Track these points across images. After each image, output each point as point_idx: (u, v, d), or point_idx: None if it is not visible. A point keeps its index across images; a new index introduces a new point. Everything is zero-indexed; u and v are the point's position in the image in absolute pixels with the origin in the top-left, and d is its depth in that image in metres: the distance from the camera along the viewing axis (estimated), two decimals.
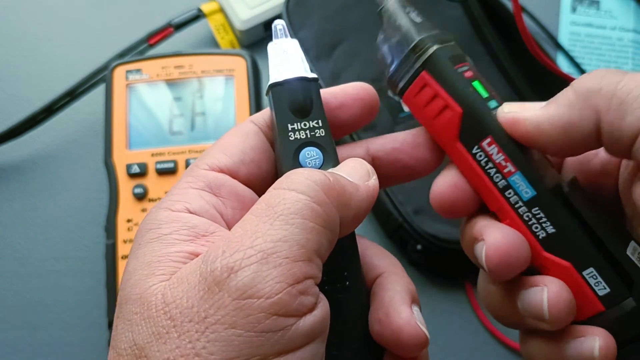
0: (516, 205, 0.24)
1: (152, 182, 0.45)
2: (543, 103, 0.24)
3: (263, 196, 0.21)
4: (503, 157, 0.24)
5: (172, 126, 0.46)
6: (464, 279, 0.47)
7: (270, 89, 0.25)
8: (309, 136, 0.24)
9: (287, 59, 0.25)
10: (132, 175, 0.45)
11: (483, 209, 0.26)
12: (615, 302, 0.24)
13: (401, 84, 0.26)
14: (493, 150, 0.24)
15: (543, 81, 0.51)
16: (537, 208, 0.24)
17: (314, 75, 0.25)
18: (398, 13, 0.26)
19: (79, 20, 0.56)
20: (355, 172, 0.24)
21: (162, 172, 0.45)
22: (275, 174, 0.25)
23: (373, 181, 0.24)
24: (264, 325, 0.19)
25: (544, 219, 0.24)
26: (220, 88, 0.47)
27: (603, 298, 0.24)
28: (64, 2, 0.57)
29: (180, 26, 0.52)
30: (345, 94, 0.26)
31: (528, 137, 0.24)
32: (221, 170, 0.24)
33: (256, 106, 0.46)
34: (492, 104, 0.25)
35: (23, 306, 0.47)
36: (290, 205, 0.20)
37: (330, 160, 0.24)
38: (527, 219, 0.24)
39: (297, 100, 0.24)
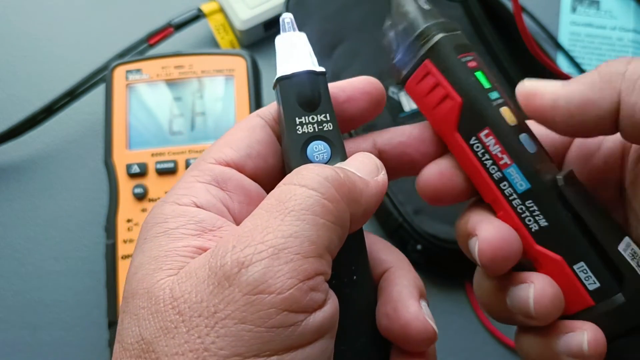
0: (510, 198, 0.24)
1: (152, 182, 0.45)
2: (565, 81, 0.24)
3: (273, 191, 0.21)
4: (500, 148, 0.24)
5: (172, 126, 0.46)
6: (464, 279, 0.47)
7: (278, 83, 0.25)
8: (316, 130, 0.24)
9: (294, 53, 0.25)
10: (132, 175, 0.45)
11: (477, 203, 0.26)
12: (605, 297, 0.24)
13: (404, 71, 0.26)
14: (490, 141, 0.24)
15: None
16: (530, 201, 0.24)
17: (322, 69, 0.25)
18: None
19: (79, 20, 0.56)
20: (364, 167, 0.24)
21: (162, 172, 0.45)
22: (282, 168, 0.25)
23: (382, 176, 0.24)
24: (274, 320, 0.19)
25: (537, 212, 0.24)
26: (220, 88, 0.47)
27: (593, 293, 0.24)
28: (64, 2, 0.57)
29: (180, 26, 0.52)
30: (353, 87, 0.26)
31: (542, 112, 0.24)
32: (228, 164, 0.24)
33: (256, 106, 0.46)
34: (494, 95, 0.25)
35: (23, 306, 0.47)
36: (301, 201, 0.20)
37: (338, 154, 0.24)
38: (520, 211, 0.24)
39: (305, 94, 0.24)
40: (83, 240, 0.49)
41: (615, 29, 0.57)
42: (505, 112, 0.25)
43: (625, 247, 0.24)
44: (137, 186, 0.44)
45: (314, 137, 0.24)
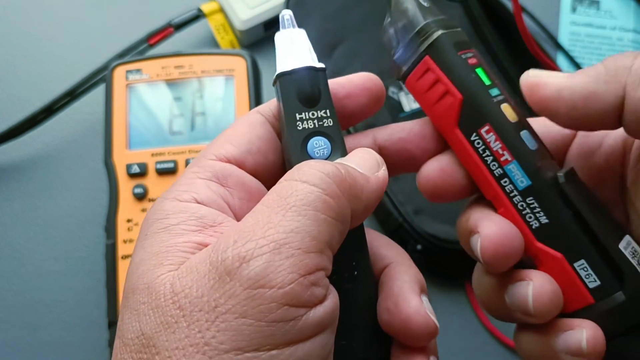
0: (511, 194, 0.24)
1: (152, 182, 0.45)
2: (570, 73, 0.24)
3: (274, 187, 0.21)
4: (500, 145, 0.24)
5: (172, 126, 0.46)
6: (464, 279, 0.47)
7: (278, 79, 0.25)
8: (317, 126, 0.24)
9: (294, 49, 0.25)
10: (132, 175, 0.45)
11: (477, 200, 0.26)
12: (605, 295, 0.24)
13: (404, 68, 0.26)
14: (491, 138, 0.24)
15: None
16: (531, 198, 0.24)
17: (322, 65, 0.25)
18: None
19: (79, 20, 0.56)
20: (364, 162, 0.24)
21: (162, 172, 0.45)
22: (282, 165, 0.25)
23: (383, 172, 0.24)
24: (275, 315, 0.19)
25: (538, 209, 0.24)
26: (220, 88, 0.47)
27: (593, 290, 0.24)
28: (64, 2, 0.57)
29: (180, 26, 0.52)
30: (352, 83, 0.26)
31: (545, 103, 0.24)
32: (228, 161, 0.24)
33: (256, 106, 0.46)
34: (494, 91, 0.25)
35: (23, 306, 0.47)
36: (303, 197, 0.20)
37: (339, 150, 0.24)
38: (521, 208, 0.24)
39: (305, 90, 0.24)
40: (83, 240, 0.49)
41: (615, 29, 0.57)
42: (506, 109, 0.25)
43: (626, 245, 0.24)
44: (137, 186, 0.44)
45: (314, 133, 0.24)
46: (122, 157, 0.45)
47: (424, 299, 0.24)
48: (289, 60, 0.25)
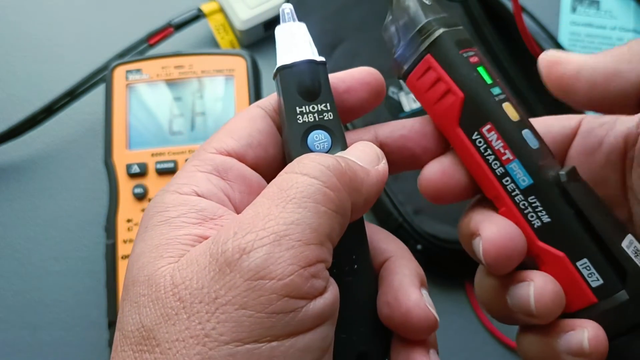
0: (513, 193, 0.24)
1: (152, 182, 0.45)
2: (591, 54, 0.24)
3: (274, 180, 0.21)
4: (502, 144, 0.24)
5: (172, 126, 0.46)
6: (464, 279, 0.47)
7: (279, 72, 0.25)
8: (317, 119, 0.24)
9: (295, 42, 0.25)
10: (132, 175, 0.45)
11: (479, 202, 0.26)
12: (608, 295, 0.24)
13: (405, 66, 0.26)
14: (492, 136, 0.24)
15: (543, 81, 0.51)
16: (533, 196, 0.24)
17: (322, 58, 0.25)
18: None
19: (79, 20, 0.56)
20: (365, 155, 0.24)
21: (162, 172, 0.45)
22: (282, 159, 0.25)
23: (383, 165, 0.24)
24: (275, 306, 0.19)
25: (540, 208, 0.24)
26: (220, 88, 0.47)
27: (596, 290, 0.24)
28: (64, 2, 0.57)
29: (180, 26, 0.52)
30: (353, 78, 0.26)
31: (563, 81, 0.23)
32: (228, 154, 0.24)
33: None
34: (496, 90, 0.25)
35: (23, 306, 0.47)
36: (303, 189, 0.20)
37: (339, 143, 0.24)
38: (523, 207, 0.24)
39: (305, 83, 0.24)
40: (83, 240, 0.49)
41: (615, 29, 0.57)
42: (508, 108, 0.25)
43: (629, 244, 0.24)
44: (137, 186, 0.44)
45: (315, 126, 0.24)
46: (122, 157, 0.45)
47: (424, 292, 0.24)
48: (290, 54, 0.25)
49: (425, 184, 0.26)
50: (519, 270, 0.25)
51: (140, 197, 0.44)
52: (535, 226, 0.24)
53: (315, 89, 0.24)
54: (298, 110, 0.24)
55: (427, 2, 0.26)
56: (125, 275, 0.22)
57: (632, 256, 0.24)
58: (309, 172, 0.21)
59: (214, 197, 0.23)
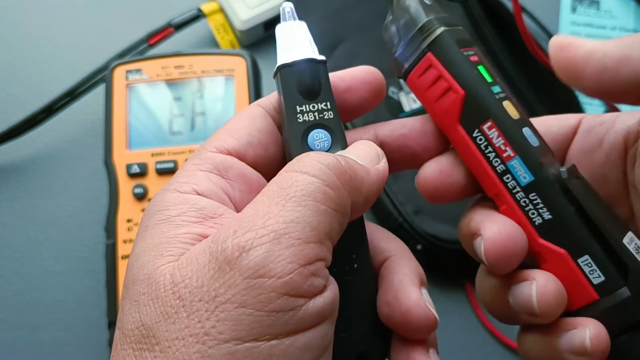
0: (514, 191, 0.24)
1: (152, 182, 0.45)
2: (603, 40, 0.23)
3: (274, 178, 0.21)
4: (503, 141, 0.24)
5: (172, 126, 0.46)
6: (464, 279, 0.47)
7: (279, 71, 0.25)
8: (317, 118, 0.24)
9: (295, 41, 0.25)
10: (132, 175, 0.45)
11: (479, 202, 0.26)
12: (610, 291, 0.24)
13: (406, 65, 0.26)
14: (493, 134, 0.24)
15: (543, 81, 0.51)
16: (534, 194, 0.24)
17: (322, 57, 0.25)
18: None
19: (79, 20, 0.56)
20: (365, 154, 0.24)
21: (162, 172, 0.45)
22: (282, 158, 0.25)
23: (383, 164, 0.24)
24: (274, 304, 0.19)
25: (541, 205, 0.24)
26: (220, 88, 0.47)
27: (598, 287, 0.24)
28: (64, 2, 0.57)
29: (180, 26, 0.52)
30: (353, 77, 0.26)
31: (573, 64, 0.23)
32: (229, 153, 0.24)
33: None
34: (496, 89, 0.25)
35: (23, 306, 0.47)
36: (303, 188, 0.20)
37: (339, 142, 0.24)
38: (524, 204, 0.24)
39: (305, 82, 0.24)
40: (83, 240, 0.49)
41: (615, 29, 0.57)
42: (508, 106, 0.25)
43: (630, 240, 0.24)
44: (137, 186, 0.44)
45: (315, 125, 0.24)
46: (122, 157, 0.45)
47: (424, 292, 0.24)
48: (290, 53, 0.25)
49: (423, 182, 0.26)
50: (520, 269, 0.25)
51: (140, 197, 0.44)
52: (536, 223, 0.24)
53: (316, 87, 0.24)
54: (298, 109, 0.24)
55: (427, 2, 0.26)
56: (125, 274, 0.22)
57: (634, 252, 0.24)
58: (308, 171, 0.21)
59: (214, 195, 0.23)
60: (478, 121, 0.25)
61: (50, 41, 0.55)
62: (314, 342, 0.20)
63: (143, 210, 0.44)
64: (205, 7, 0.53)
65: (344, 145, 0.24)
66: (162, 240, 0.21)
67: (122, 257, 0.43)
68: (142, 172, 0.45)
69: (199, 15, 0.53)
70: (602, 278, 0.24)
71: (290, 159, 0.22)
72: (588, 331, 0.23)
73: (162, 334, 0.19)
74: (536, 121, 0.26)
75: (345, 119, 0.26)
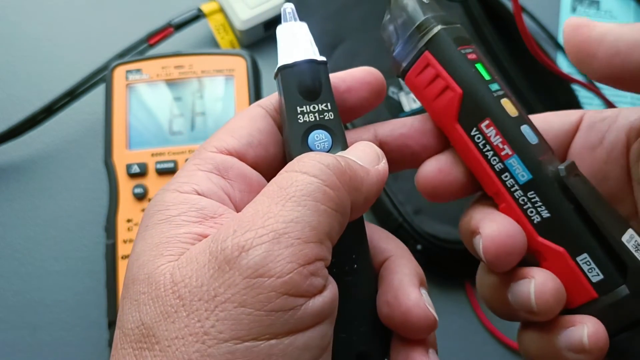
0: (512, 189, 0.24)
1: (152, 182, 0.45)
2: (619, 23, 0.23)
3: (274, 178, 0.22)
4: (501, 139, 0.24)
5: (172, 126, 0.46)
6: (464, 279, 0.47)
7: (280, 72, 0.25)
8: (317, 119, 0.24)
9: (296, 42, 0.25)
10: (132, 175, 0.45)
11: (479, 200, 0.26)
12: (609, 289, 0.24)
13: (404, 64, 0.26)
14: (491, 132, 0.24)
15: (543, 81, 0.51)
16: (532, 192, 0.24)
17: (323, 58, 0.25)
18: None
19: (79, 20, 0.56)
20: (365, 155, 0.24)
21: (162, 172, 0.45)
22: (283, 158, 0.25)
23: (383, 165, 0.24)
24: (274, 304, 0.19)
25: (539, 203, 0.24)
26: (220, 88, 0.47)
27: (596, 285, 0.24)
28: (64, 2, 0.57)
29: (180, 26, 0.52)
30: (353, 77, 0.26)
31: (586, 45, 0.23)
32: (229, 153, 0.24)
33: None
34: (494, 86, 0.25)
35: (23, 306, 0.47)
36: (303, 188, 0.20)
37: (339, 143, 0.24)
38: (522, 203, 0.24)
39: (306, 83, 0.24)
40: (83, 240, 0.49)
41: None
42: (506, 104, 0.25)
43: (629, 238, 0.24)
44: (137, 186, 0.44)
45: (315, 126, 0.24)
46: (122, 157, 0.45)
47: (424, 292, 0.24)
48: (291, 54, 0.25)
49: (422, 181, 0.26)
50: (519, 267, 0.25)
51: (140, 197, 0.44)
52: (535, 222, 0.24)
53: (316, 88, 0.24)
54: (299, 109, 0.24)
55: (425, 1, 0.26)
56: (126, 274, 0.22)
57: (633, 250, 0.24)
58: (308, 171, 0.21)
59: (214, 195, 0.23)
60: (476, 119, 0.25)
61: (50, 41, 0.55)
62: (313, 342, 0.20)
63: (143, 210, 0.44)
64: (205, 7, 0.53)
65: (344, 146, 0.24)
66: (162, 240, 0.21)
67: (122, 257, 0.43)
68: (142, 172, 0.45)
69: (199, 15, 0.53)
70: (601, 276, 0.24)
71: (291, 159, 0.22)
72: (586, 328, 0.23)
73: (162, 333, 0.19)
74: (537, 118, 0.26)
75: (346, 119, 0.26)
